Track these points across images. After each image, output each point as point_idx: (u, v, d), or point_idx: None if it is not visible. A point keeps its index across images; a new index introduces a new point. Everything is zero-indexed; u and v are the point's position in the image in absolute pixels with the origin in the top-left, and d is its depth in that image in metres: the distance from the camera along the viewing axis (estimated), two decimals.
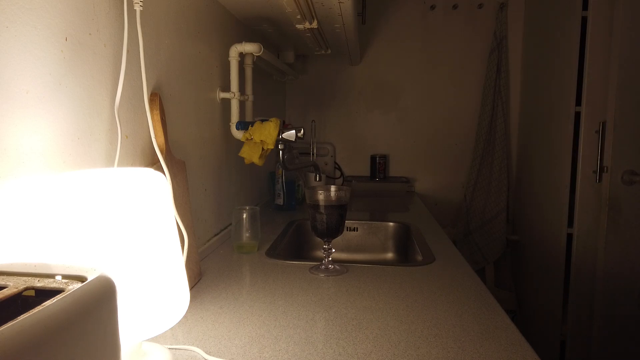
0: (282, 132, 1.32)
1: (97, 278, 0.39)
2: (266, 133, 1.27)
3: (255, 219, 1.25)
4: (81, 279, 0.39)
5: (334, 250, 1.15)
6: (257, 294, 0.94)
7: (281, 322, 0.81)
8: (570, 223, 1.78)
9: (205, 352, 0.70)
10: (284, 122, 1.36)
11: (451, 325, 0.80)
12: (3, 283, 0.37)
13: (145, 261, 0.57)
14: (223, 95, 1.32)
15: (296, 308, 0.87)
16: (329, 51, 2.01)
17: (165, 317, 0.60)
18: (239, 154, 1.33)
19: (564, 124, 1.82)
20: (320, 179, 1.77)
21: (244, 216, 1.23)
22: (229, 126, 1.37)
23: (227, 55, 1.34)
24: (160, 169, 0.85)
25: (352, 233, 1.65)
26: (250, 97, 1.44)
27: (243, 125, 1.34)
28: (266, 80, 1.94)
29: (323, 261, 1.11)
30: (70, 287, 0.37)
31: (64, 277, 0.39)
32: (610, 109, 1.69)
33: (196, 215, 1.14)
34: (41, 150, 0.61)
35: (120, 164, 0.79)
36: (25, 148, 0.58)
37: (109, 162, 0.77)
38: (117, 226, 0.54)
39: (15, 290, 0.36)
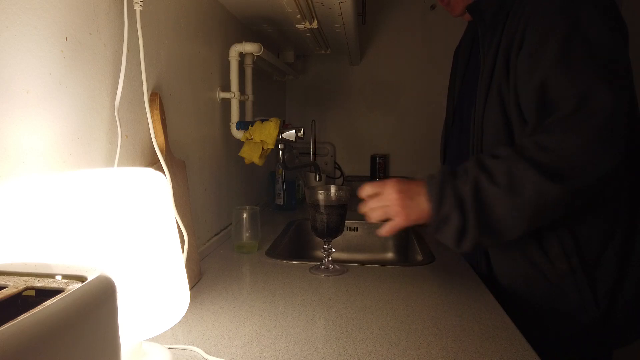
0: (282, 132, 1.31)
1: (97, 278, 0.39)
2: (266, 133, 1.27)
3: (255, 219, 1.25)
4: (81, 278, 0.39)
5: (334, 250, 1.15)
6: (257, 294, 0.94)
7: (281, 322, 0.81)
8: None
9: (205, 352, 0.70)
10: (284, 122, 1.36)
11: (451, 325, 0.80)
12: (3, 283, 0.37)
13: (145, 261, 0.57)
14: (223, 95, 1.32)
15: (296, 308, 0.87)
16: (329, 51, 2.01)
17: (165, 317, 0.60)
18: (239, 154, 1.33)
19: None
20: (320, 179, 1.76)
21: (244, 216, 1.23)
22: (229, 126, 1.37)
23: (227, 55, 1.34)
24: (160, 169, 0.85)
25: (352, 233, 1.65)
26: (250, 97, 1.44)
27: (243, 125, 1.34)
28: (266, 80, 1.94)
29: (323, 261, 1.11)
30: (70, 287, 0.37)
31: (64, 277, 0.39)
32: None
33: (196, 215, 1.14)
34: (41, 149, 0.61)
35: (120, 164, 0.79)
36: (26, 147, 0.58)
37: (109, 162, 0.77)
38: (117, 226, 0.54)
39: (15, 290, 0.36)
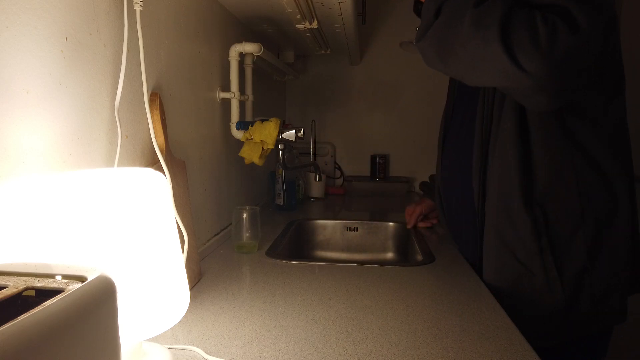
0: (282, 132, 1.31)
1: (97, 278, 0.39)
2: (266, 133, 1.27)
3: (255, 218, 1.25)
4: (81, 279, 0.39)
5: None
6: (257, 294, 0.94)
7: (281, 322, 0.81)
8: None
9: (205, 352, 0.70)
10: (284, 122, 1.36)
11: (451, 325, 0.80)
12: (3, 283, 0.37)
13: (145, 261, 0.57)
14: (223, 95, 1.32)
15: (296, 308, 0.87)
16: (329, 51, 2.01)
17: (165, 317, 0.60)
18: (239, 154, 1.33)
19: None
20: (320, 179, 1.76)
21: (244, 216, 1.23)
22: (229, 126, 1.37)
23: (227, 55, 1.34)
24: (160, 169, 0.85)
25: (352, 233, 1.65)
26: (250, 97, 1.44)
27: (243, 125, 1.34)
28: (266, 80, 1.94)
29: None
30: (70, 287, 0.37)
31: (64, 277, 0.39)
32: None
33: (196, 215, 1.14)
34: (41, 149, 0.61)
35: (120, 164, 0.79)
36: (26, 147, 0.58)
37: (109, 162, 0.77)
38: (117, 226, 0.54)
39: (15, 290, 0.36)
